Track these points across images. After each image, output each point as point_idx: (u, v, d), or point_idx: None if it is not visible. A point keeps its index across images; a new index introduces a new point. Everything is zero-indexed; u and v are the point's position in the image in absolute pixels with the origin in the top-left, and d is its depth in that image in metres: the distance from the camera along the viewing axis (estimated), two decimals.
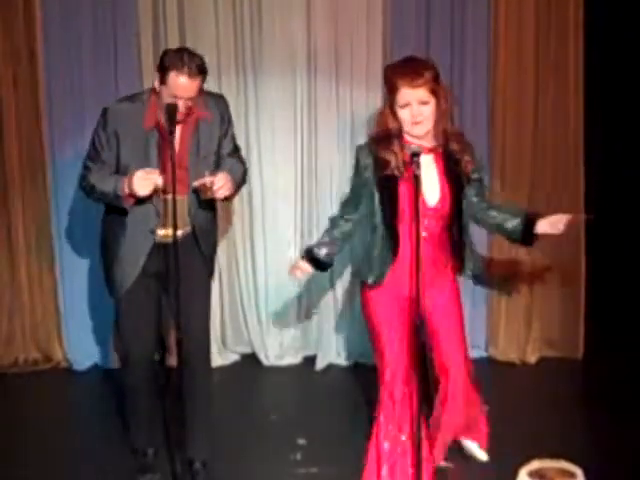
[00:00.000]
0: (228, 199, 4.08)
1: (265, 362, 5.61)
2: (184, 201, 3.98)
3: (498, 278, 5.49)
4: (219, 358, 5.53)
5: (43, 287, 5.54)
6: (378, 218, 3.82)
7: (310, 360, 5.60)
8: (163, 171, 3.86)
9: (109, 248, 4.08)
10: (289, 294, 5.61)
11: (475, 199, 3.95)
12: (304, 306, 5.63)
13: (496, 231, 4.10)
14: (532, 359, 5.57)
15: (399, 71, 3.73)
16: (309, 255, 4.00)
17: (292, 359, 5.63)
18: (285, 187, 5.51)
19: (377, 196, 3.80)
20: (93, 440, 4.64)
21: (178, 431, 4.07)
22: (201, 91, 3.94)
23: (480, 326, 5.62)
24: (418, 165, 3.53)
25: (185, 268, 3.92)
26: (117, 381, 5.22)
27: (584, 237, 5.46)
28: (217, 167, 4.02)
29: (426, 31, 5.32)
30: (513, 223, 3.95)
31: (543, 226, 3.93)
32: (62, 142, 5.33)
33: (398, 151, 3.74)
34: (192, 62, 3.83)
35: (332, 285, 5.54)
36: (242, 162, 4.22)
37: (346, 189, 5.20)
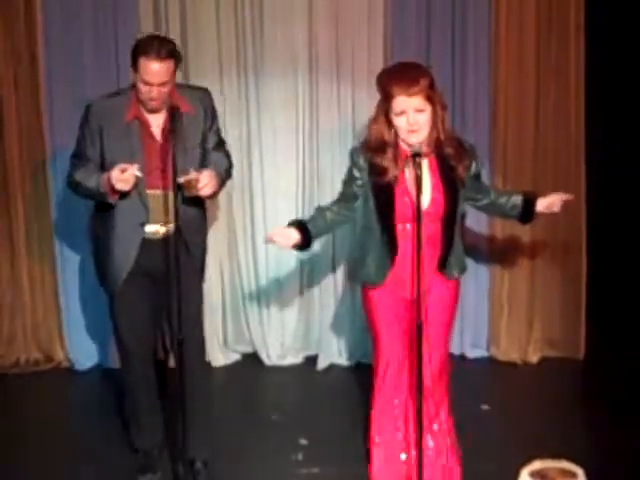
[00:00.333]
0: (212, 196, 4.07)
1: (266, 362, 5.61)
2: (167, 196, 3.97)
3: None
4: (220, 357, 5.54)
5: (44, 287, 5.54)
6: (374, 220, 3.82)
7: (311, 360, 5.60)
8: (149, 163, 3.89)
9: (100, 244, 4.09)
10: (291, 294, 5.61)
11: (475, 194, 3.96)
12: (305, 306, 5.63)
13: (497, 212, 4.16)
14: (533, 359, 5.57)
15: (394, 78, 3.70)
16: (295, 222, 3.95)
17: (293, 359, 5.63)
18: (286, 188, 5.51)
19: (372, 199, 3.80)
20: (94, 440, 4.64)
21: (178, 431, 4.06)
22: (185, 86, 3.97)
23: (482, 326, 5.62)
24: (420, 165, 3.53)
25: (173, 265, 3.93)
26: (118, 381, 5.24)
27: (585, 237, 5.46)
28: (203, 161, 4.03)
29: (427, 33, 5.31)
30: (513, 202, 4.02)
31: (541, 204, 4.03)
32: (63, 142, 5.31)
33: (393, 159, 3.72)
34: (162, 46, 3.84)
35: (334, 285, 5.54)
36: (227, 156, 4.22)
37: None
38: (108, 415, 4.84)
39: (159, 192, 3.96)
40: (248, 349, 5.70)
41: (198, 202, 4.08)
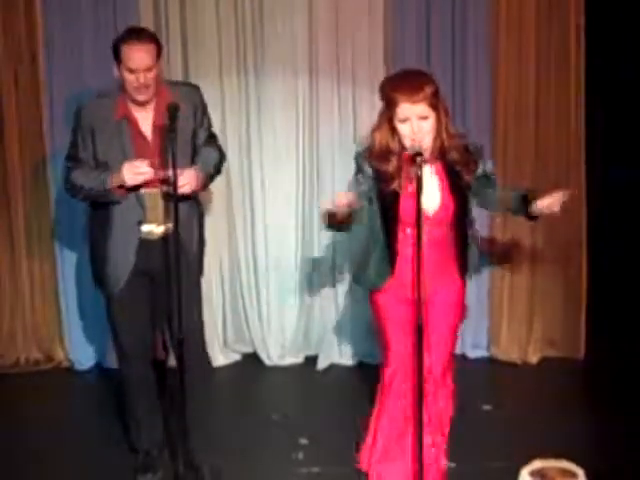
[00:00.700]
0: (195, 193, 4.05)
1: (267, 362, 5.61)
2: (158, 194, 3.97)
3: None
4: (221, 357, 5.54)
5: (44, 287, 5.54)
6: (378, 224, 3.80)
7: (312, 360, 5.60)
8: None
9: (98, 246, 4.07)
10: (291, 294, 5.61)
11: (483, 188, 3.91)
12: (306, 306, 5.63)
13: (503, 206, 4.09)
14: (534, 359, 5.56)
15: (398, 85, 3.64)
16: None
17: (294, 359, 5.63)
18: (286, 188, 5.51)
19: (378, 204, 3.76)
20: (94, 440, 4.64)
21: (180, 432, 4.06)
22: (173, 83, 3.99)
23: (482, 326, 5.62)
24: (420, 166, 3.52)
25: (170, 267, 3.93)
26: (118, 381, 5.24)
27: (585, 237, 5.46)
28: (193, 157, 4.03)
29: (427, 33, 5.31)
30: (516, 196, 3.97)
31: (541, 203, 3.98)
32: (63, 142, 5.29)
33: (398, 167, 3.69)
34: (140, 32, 3.94)
35: (334, 285, 5.54)
36: (219, 150, 4.21)
37: (347, 190, 5.22)
38: (108, 415, 4.84)
39: (154, 191, 3.95)
40: (248, 349, 5.70)
41: (191, 199, 4.06)
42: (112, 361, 5.46)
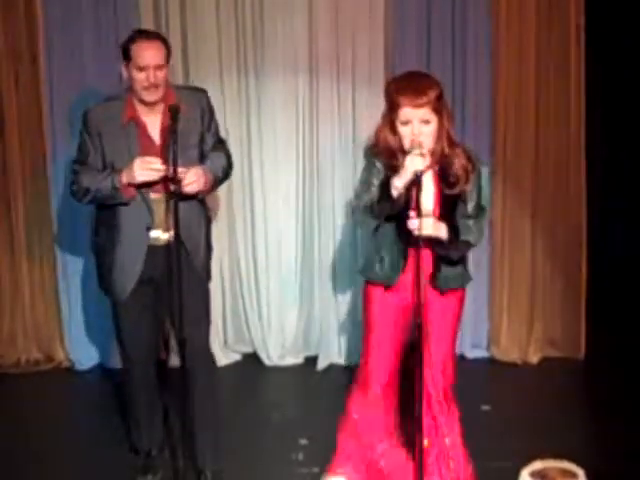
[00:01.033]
0: (202, 194, 4.01)
1: (267, 362, 5.61)
2: (163, 200, 3.94)
3: None
4: (221, 357, 5.53)
5: (45, 287, 5.54)
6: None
7: (312, 360, 5.60)
8: None
9: (105, 253, 4.04)
10: (291, 294, 5.61)
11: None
12: (306, 306, 5.63)
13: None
14: (534, 359, 5.56)
15: (402, 88, 3.62)
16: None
17: (294, 359, 5.63)
18: (286, 188, 5.51)
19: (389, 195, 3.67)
20: (94, 440, 4.64)
21: (183, 435, 4.06)
22: (181, 87, 3.99)
23: (482, 326, 5.62)
24: (420, 163, 3.50)
25: (177, 273, 3.89)
26: (118, 381, 5.23)
27: (586, 236, 5.46)
28: (200, 162, 3.99)
29: (427, 33, 5.31)
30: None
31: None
32: (64, 142, 5.32)
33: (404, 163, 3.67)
34: (150, 32, 3.97)
35: (334, 285, 5.54)
36: (227, 155, 4.17)
37: (348, 190, 5.23)
38: (108, 415, 4.84)
39: (162, 196, 3.93)
40: (248, 349, 5.70)
41: (197, 203, 4.04)
42: (112, 361, 5.47)
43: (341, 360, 5.57)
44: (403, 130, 3.64)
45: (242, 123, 5.43)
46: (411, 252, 3.72)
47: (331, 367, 5.54)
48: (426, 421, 3.69)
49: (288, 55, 5.37)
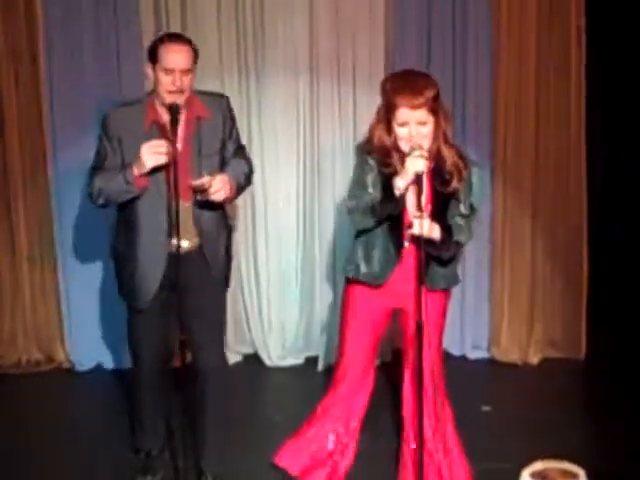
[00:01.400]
0: (228, 201, 3.99)
1: (267, 362, 5.61)
2: (189, 208, 3.91)
3: None
4: None
5: (45, 288, 5.54)
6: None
7: (312, 361, 5.60)
8: (168, 172, 3.79)
9: (125, 261, 3.98)
10: (292, 295, 5.62)
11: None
12: (307, 307, 5.64)
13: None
14: (534, 360, 5.57)
15: (398, 89, 3.59)
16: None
17: (294, 360, 5.64)
18: (287, 188, 5.52)
19: (381, 192, 3.68)
20: (94, 440, 4.64)
21: (184, 435, 4.05)
22: (202, 92, 3.94)
23: (482, 327, 5.62)
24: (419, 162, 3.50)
25: (196, 280, 3.92)
26: (118, 382, 5.25)
27: (586, 237, 5.46)
28: (222, 168, 3.95)
29: (428, 33, 5.32)
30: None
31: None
32: (64, 142, 5.33)
33: (400, 162, 3.63)
34: (179, 35, 3.92)
35: (334, 286, 5.54)
36: (248, 162, 4.12)
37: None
38: (109, 416, 4.85)
39: (185, 204, 3.87)
40: (249, 350, 5.70)
41: (218, 210, 4.00)
42: (112, 362, 5.49)
43: None
44: (400, 131, 3.62)
45: (243, 124, 5.40)
46: (402, 252, 3.73)
47: (331, 368, 5.52)
48: (418, 422, 3.68)
49: (289, 56, 5.38)
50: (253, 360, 5.64)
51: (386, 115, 3.65)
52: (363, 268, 3.80)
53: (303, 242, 5.57)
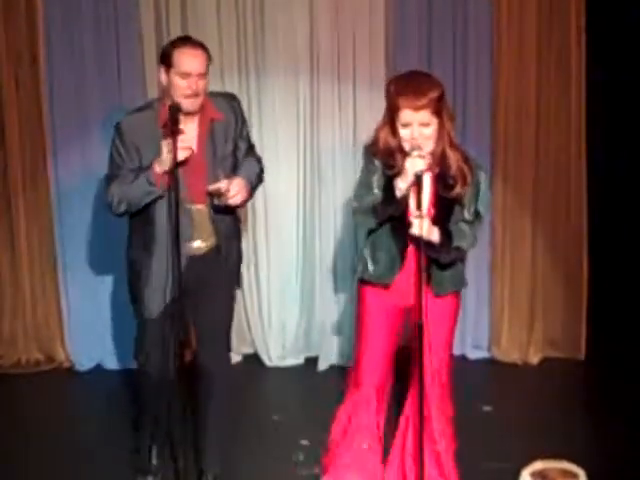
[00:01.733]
0: (243, 204, 3.98)
1: (267, 363, 5.61)
2: (204, 211, 3.89)
3: None
4: None
5: (45, 288, 5.54)
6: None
7: (312, 361, 5.60)
8: (188, 176, 3.78)
9: (140, 266, 3.93)
10: (292, 295, 5.61)
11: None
12: (307, 307, 5.63)
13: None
14: (534, 360, 5.56)
15: (402, 90, 3.58)
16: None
17: (294, 360, 5.63)
18: (287, 187, 5.52)
19: (387, 193, 3.66)
20: (94, 440, 4.64)
21: (187, 437, 4.04)
22: (212, 93, 3.92)
23: (483, 327, 5.62)
24: (420, 162, 3.50)
25: (210, 281, 3.92)
26: (119, 382, 5.25)
27: (587, 237, 5.46)
28: (234, 169, 3.94)
29: (428, 31, 5.32)
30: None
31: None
32: (64, 143, 5.33)
33: (403, 163, 3.62)
34: (193, 39, 3.87)
35: (335, 286, 5.54)
36: (258, 161, 4.12)
37: (348, 191, 5.22)
38: (109, 415, 4.84)
39: (202, 207, 3.87)
40: (249, 350, 5.70)
41: (231, 212, 3.99)
42: (113, 362, 5.49)
43: (342, 361, 5.56)
44: (403, 132, 3.61)
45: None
46: (408, 253, 3.73)
47: (331, 368, 5.54)
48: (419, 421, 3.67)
49: (289, 56, 5.38)
50: (253, 360, 5.64)
51: (390, 117, 3.64)
52: (371, 268, 3.81)
53: (303, 242, 5.57)
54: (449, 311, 3.86)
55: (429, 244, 3.60)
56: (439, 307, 3.77)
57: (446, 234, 3.67)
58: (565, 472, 3.80)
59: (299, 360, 5.64)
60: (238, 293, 5.55)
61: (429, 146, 3.61)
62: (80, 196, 5.32)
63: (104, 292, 5.44)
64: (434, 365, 3.80)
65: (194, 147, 3.82)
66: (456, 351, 5.49)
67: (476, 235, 3.80)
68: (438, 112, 3.60)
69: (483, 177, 3.77)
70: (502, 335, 5.58)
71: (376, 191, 3.69)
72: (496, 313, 5.59)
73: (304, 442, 4.57)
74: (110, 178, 3.88)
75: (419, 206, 3.48)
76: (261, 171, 4.12)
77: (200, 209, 3.88)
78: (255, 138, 5.39)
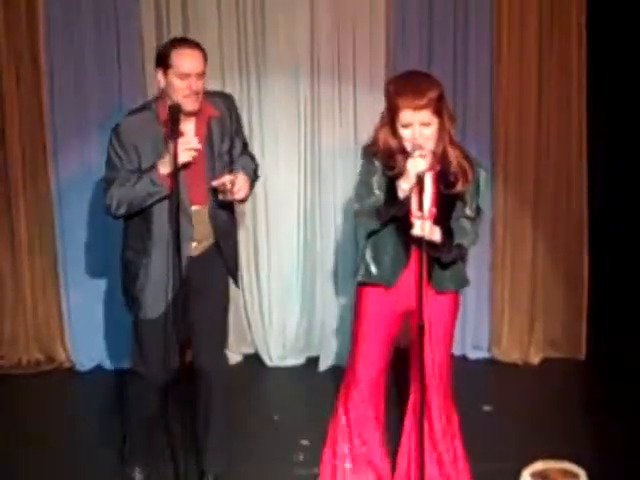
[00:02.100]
0: (244, 200, 3.98)
1: (268, 363, 5.61)
2: (204, 211, 3.90)
3: None
4: None
5: (46, 288, 5.55)
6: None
7: (313, 361, 5.60)
8: (190, 176, 3.78)
9: (136, 275, 3.91)
10: (292, 295, 5.61)
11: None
12: (307, 307, 5.63)
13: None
14: (535, 360, 5.56)
15: (402, 90, 3.57)
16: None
17: (295, 360, 5.63)
18: (288, 188, 5.52)
19: (388, 194, 3.65)
20: (94, 440, 4.64)
21: (187, 437, 4.04)
22: (208, 92, 3.92)
23: (483, 327, 5.62)
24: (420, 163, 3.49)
25: (207, 280, 3.92)
26: (119, 382, 5.23)
27: (587, 237, 5.46)
28: (231, 166, 3.95)
29: (429, 31, 5.32)
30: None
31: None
32: (64, 142, 5.33)
33: (403, 162, 3.62)
34: (188, 40, 3.88)
35: (335, 286, 5.54)
36: (252, 158, 4.15)
37: (349, 192, 5.22)
38: (109, 416, 4.83)
39: (200, 207, 3.88)
40: (250, 350, 5.70)
41: (228, 209, 4.00)
42: (113, 362, 5.49)
43: (342, 361, 5.55)
44: (404, 133, 3.60)
45: (243, 124, 5.42)
46: (411, 253, 3.72)
47: (332, 368, 5.54)
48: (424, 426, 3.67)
49: (289, 56, 5.38)
50: (254, 360, 5.64)
51: (390, 117, 3.63)
52: (374, 270, 3.79)
53: (304, 242, 5.57)
54: (449, 310, 3.85)
55: (431, 243, 3.60)
56: (439, 305, 3.77)
57: (447, 232, 3.66)
58: (565, 472, 3.80)
59: (300, 360, 5.64)
60: (239, 293, 5.62)
61: (430, 146, 3.61)
62: (80, 196, 5.32)
63: (105, 292, 5.44)
64: (434, 365, 3.80)
65: (199, 147, 3.81)
66: (456, 351, 5.50)
67: (477, 232, 3.81)
68: (438, 112, 3.59)
69: (483, 174, 3.77)
70: (502, 335, 5.58)
71: (377, 192, 3.68)
72: (496, 313, 5.58)
73: (304, 442, 4.57)
74: (108, 181, 3.85)
75: (421, 207, 3.49)
76: (256, 167, 4.14)
77: (199, 210, 3.89)
78: (255, 139, 5.43)
